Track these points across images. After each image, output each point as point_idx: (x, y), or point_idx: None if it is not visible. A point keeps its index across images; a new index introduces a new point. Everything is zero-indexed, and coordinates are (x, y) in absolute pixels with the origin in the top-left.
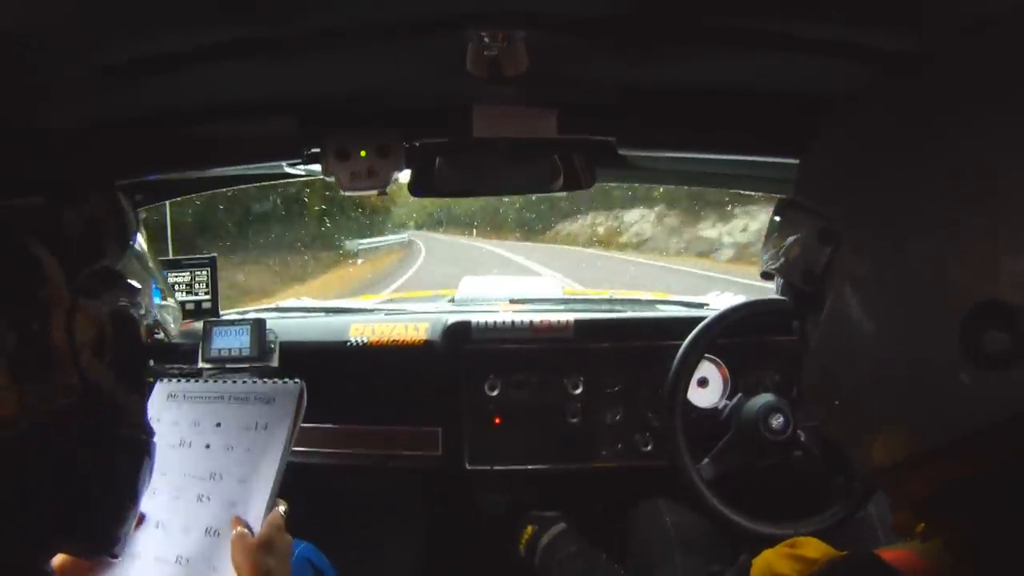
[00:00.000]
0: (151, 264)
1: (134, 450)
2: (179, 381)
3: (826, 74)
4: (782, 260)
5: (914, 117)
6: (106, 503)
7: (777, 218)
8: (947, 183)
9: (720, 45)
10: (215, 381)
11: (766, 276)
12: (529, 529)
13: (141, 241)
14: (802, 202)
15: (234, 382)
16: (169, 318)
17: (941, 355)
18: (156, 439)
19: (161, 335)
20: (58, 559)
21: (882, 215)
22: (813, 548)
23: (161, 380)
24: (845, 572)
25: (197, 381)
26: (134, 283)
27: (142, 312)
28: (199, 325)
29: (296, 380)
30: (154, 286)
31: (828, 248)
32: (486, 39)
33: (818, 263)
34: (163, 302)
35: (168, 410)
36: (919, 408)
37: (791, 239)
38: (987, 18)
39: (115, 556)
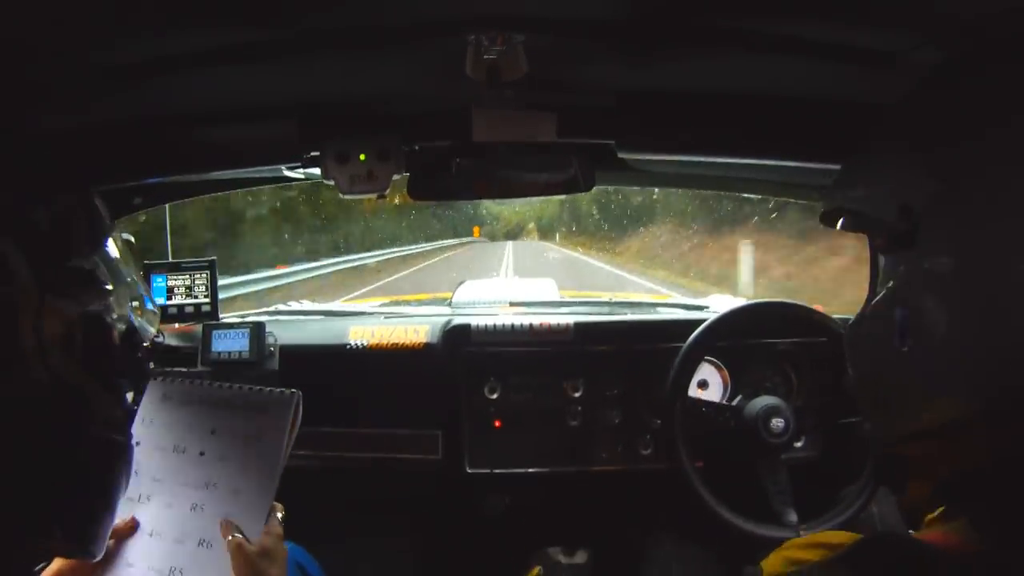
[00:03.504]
0: (127, 267)
1: (107, 449)
2: (173, 381)
3: (826, 77)
4: (867, 197)
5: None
6: (79, 501)
7: (856, 168)
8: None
9: (719, 48)
10: (211, 384)
11: (826, 218)
12: (536, 571)
13: (116, 244)
14: (891, 147)
15: (230, 387)
16: (147, 322)
17: (980, 322)
18: (149, 441)
19: (161, 339)
20: (50, 568)
21: (967, 191)
22: (836, 535)
23: (155, 379)
24: (875, 549)
25: (193, 382)
26: (105, 284)
27: (113, 314)
28: (199, 328)
29: (293, 390)
30: (139, 290)
31: (907, 219)
32: (485, 43)
33: (896, 231)
34: (143, 306)
35: (162, 412)
36: (953, 374)
37: (878, 183)
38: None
39: (93, 556)
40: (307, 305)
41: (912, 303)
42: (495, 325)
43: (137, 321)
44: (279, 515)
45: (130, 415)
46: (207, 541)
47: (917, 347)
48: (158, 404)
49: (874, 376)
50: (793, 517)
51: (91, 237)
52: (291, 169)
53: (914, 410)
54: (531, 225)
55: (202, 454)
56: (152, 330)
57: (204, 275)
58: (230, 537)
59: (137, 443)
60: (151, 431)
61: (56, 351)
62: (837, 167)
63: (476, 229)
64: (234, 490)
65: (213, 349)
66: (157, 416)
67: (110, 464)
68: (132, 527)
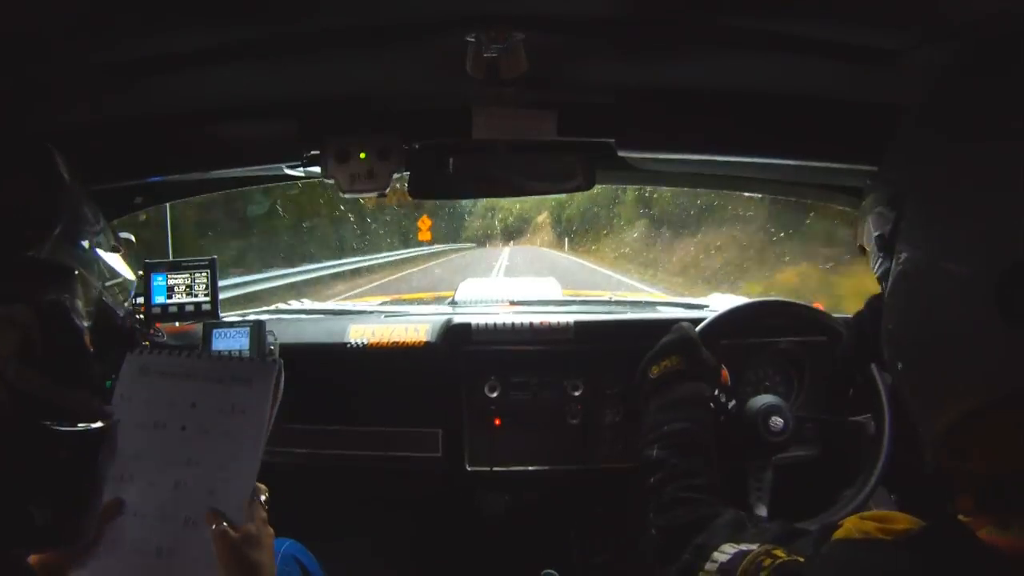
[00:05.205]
0: (95, 244)
1: (83, 446)
2: (151, 353)
3: (825, 76)
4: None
5: (972, 111)
6: (60, 500)
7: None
8: (988, 154)
9: (718, 46)
10: (190, 355)
11: (862, 250)
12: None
13: (77, 211)
14: (881, 174)
15: (210, 357)
16: (113, 302)
17: (977, 315)
18: (128, 419)
19: (161, 337)
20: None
21: (935, 182)
22: (903, 519)
23: (131, 352)
24: (938, 542)
25: (171, 353)
26: (66, 269)
27: (78, 302)
28: (198, 328)
29: (274, 359)
30: (105, 264)
31: (895, 213)
32: (485, 41)
33: (887, 228)
34: (113, 287)
35: (141, 387)
36: (959, 368)
37: (870, 209)
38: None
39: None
40: (307, 304)
41: (894, 304)
42: (495, 324)
43: (108, 299)
44: (263, 498)
45: (109, 398)
46: (193, 520)
47: (896, 354)
48: (136, 378)
49: (894, 376)
50: (763, 513)
51: (45, 208)
52: (292, 168)
53: (924, 418)
54: (541, 217)
55: (183, 429)
56: (120, 309)
57: (204, 274)
58: (214, 526)
59: (116, 420)
60: (130, 408)
61: (13, 364)
62: (838, 165)
63: (423, 223)
64: (218, 466)
65: (213, 348)
66: (135, 392)
67: (92, 455)
68: (116, 507)
